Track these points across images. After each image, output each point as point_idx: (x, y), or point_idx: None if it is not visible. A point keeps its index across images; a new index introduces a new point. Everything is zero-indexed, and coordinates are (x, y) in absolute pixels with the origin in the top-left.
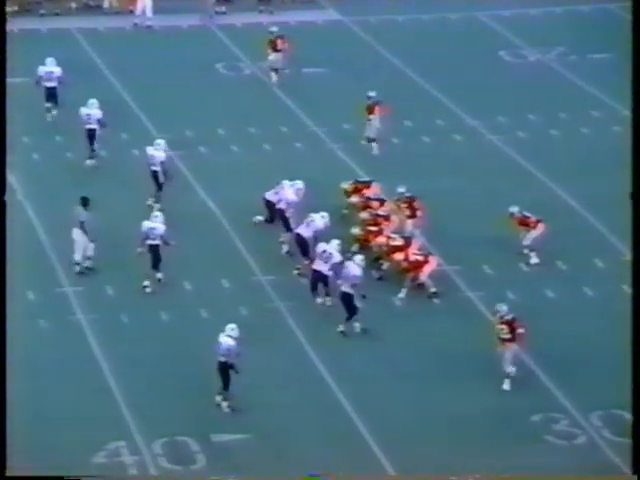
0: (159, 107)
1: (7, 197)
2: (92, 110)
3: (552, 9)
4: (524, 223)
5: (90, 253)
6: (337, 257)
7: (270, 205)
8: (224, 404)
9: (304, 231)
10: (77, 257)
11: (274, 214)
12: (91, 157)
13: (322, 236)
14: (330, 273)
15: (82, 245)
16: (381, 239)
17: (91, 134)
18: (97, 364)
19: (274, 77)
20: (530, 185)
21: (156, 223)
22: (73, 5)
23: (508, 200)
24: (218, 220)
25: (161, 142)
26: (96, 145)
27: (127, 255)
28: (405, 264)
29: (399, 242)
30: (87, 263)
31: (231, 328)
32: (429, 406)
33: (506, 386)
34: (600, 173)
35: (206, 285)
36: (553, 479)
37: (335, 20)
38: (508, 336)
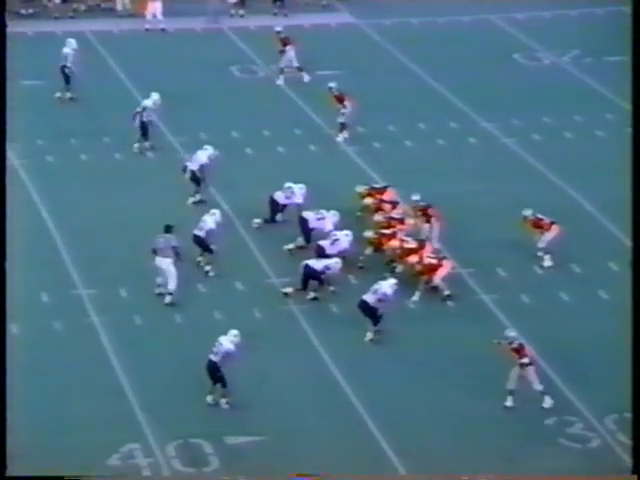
0: (173, 110)
1: (22, 199)
2: (146, 102)
3: (567, 12)
4: (538, 225)
5: (172, 287)
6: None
7: (275, 205)
8: (222, 401)
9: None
10: (159, 280)
11: (275, 214)
12: (143, 142)
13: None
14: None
15: (164, 272)
16: (394, 242)
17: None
18: (111, 366)
19: (281, 78)
20: (544, 188)
21: (207, 217)
22: (86, 8)
23: (522, 203)
24: (232, 223)
25: (209, 147)
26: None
27: (141, 257)
28: (419, 267)
29: (412, 245)
30: (168, 299)
31: (234, 334)
32: (442, 408)
33: (509, 403)
34: (614, 176)
35: (220, 287)
36: None
37: (349, 23)
38: (521, 361)
